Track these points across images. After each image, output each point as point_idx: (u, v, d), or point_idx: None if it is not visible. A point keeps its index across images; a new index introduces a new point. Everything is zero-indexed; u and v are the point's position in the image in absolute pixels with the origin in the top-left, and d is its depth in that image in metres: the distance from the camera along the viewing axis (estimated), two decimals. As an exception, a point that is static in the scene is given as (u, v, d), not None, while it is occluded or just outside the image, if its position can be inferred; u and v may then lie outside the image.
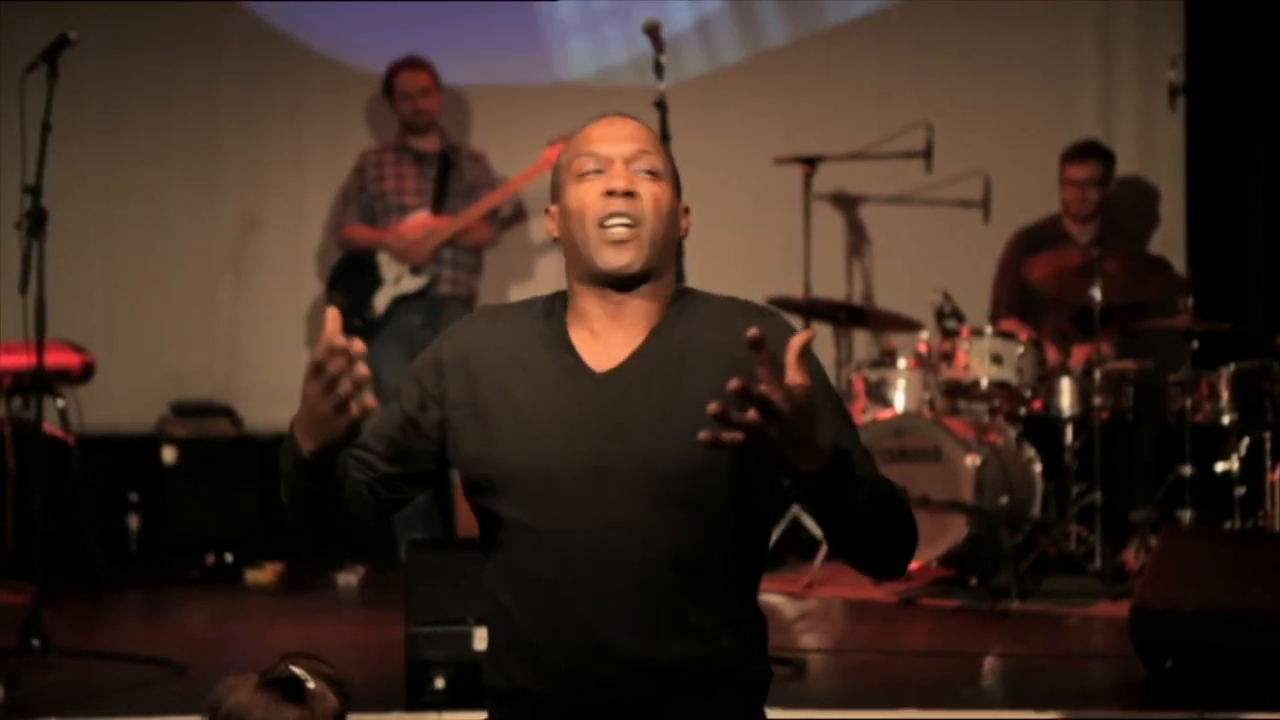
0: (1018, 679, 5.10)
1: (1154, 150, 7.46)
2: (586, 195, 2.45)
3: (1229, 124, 7.26)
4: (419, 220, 6.78)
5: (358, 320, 6.83)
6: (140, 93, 7.34)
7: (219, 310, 7.42)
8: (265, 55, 7.39)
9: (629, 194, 2.43)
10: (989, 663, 5.23)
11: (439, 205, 6.81)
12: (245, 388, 7.31)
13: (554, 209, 2.52)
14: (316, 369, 2.24)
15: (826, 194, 7.36)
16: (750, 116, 7.32)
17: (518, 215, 7.32)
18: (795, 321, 6.56)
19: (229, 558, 6.69)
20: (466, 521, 6.15)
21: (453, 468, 2.51)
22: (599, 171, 2.45)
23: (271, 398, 7.30)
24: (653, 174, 2.46)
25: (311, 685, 2.15)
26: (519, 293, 7.37)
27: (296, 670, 2.15)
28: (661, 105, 5.47)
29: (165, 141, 7.36)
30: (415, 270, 6.77)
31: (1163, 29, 7.42)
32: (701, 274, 5.15)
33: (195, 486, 6.86)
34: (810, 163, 6.99)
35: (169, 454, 6.92)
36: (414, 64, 6.86)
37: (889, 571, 2.44)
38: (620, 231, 2.43)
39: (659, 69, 5.53)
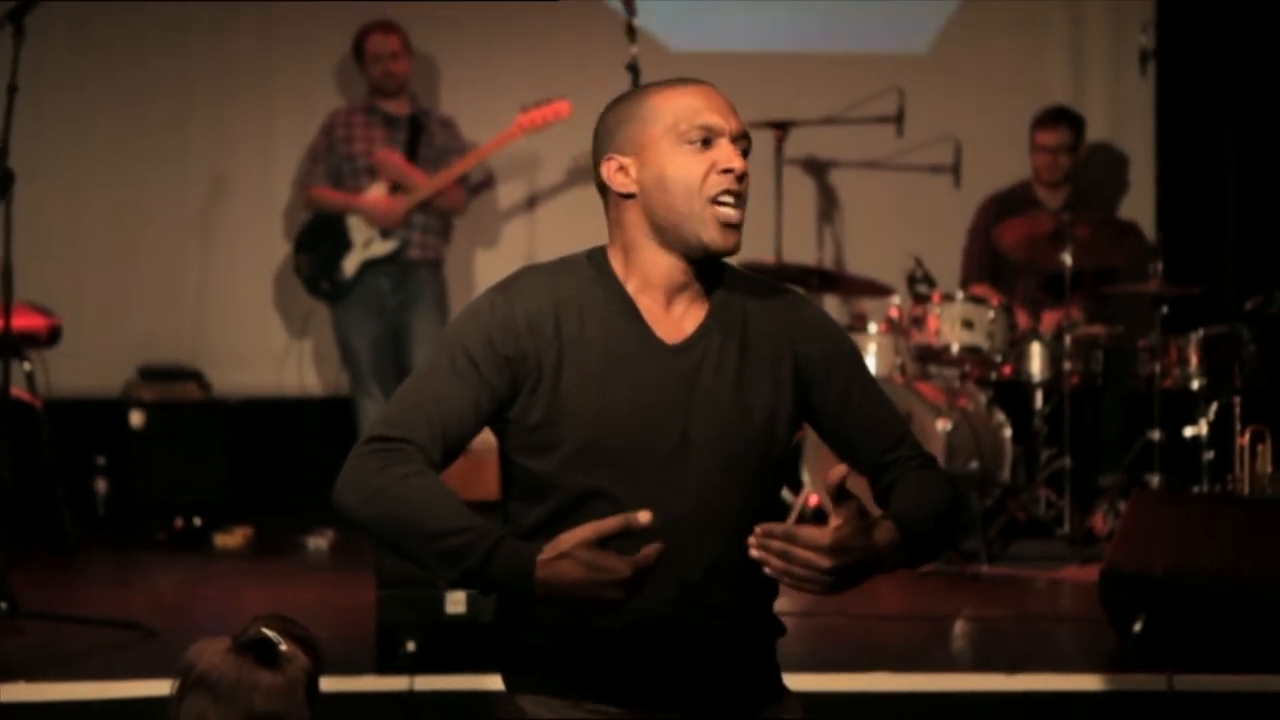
0: (987, 642, 5.12)
1: (1124, 116, 7.47)
2: (695, 166, 2.40)
3: (1199, 89, 7.28)
4: (382, 193, 6.74)
5: (326, 283, 6.80)
6: (107, 53, 7.28)
7: (187, 273, 7.38)
8: (233, 14, 7.33)
9: (742, 175, 2.42)
10: (959, 626, 5.25)
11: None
12: (213, 351, 7.28)
13: (627, 161, 2.43)
14: (638, 578, 2.21)
15: (798, 159, 7.35)
16: (721, 80, 7.28)
17: (487, 182, 7.28)
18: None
19: (197, 522, 6.67)
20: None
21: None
22: (706, 142, 2.41)
23: (240, 361, 7.28)
24: (747, 155, 2.46)
25: (284, 648, 2.14)
26: (486, 259, 7.35)
27: (268, 633, 2.15)
28: (634, 69, 5.45)
29: (132, 102, 7.30)
30: (385, 234, 6.74)
31: (1134, -6, 7.42)
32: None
33: (163, 450, 6.83)
34: (781, 127, 6.98)
35: (137, 418, 6.88)
36: (385, 26, 6.82)
37: (946, 550, 2.54)
38: (733, 213, 2.41)
39: (631, 32, 5.51)
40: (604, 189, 2.48)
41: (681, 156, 2.40)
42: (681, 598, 2.38)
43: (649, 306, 2.43)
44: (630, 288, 2.44)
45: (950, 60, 7.44)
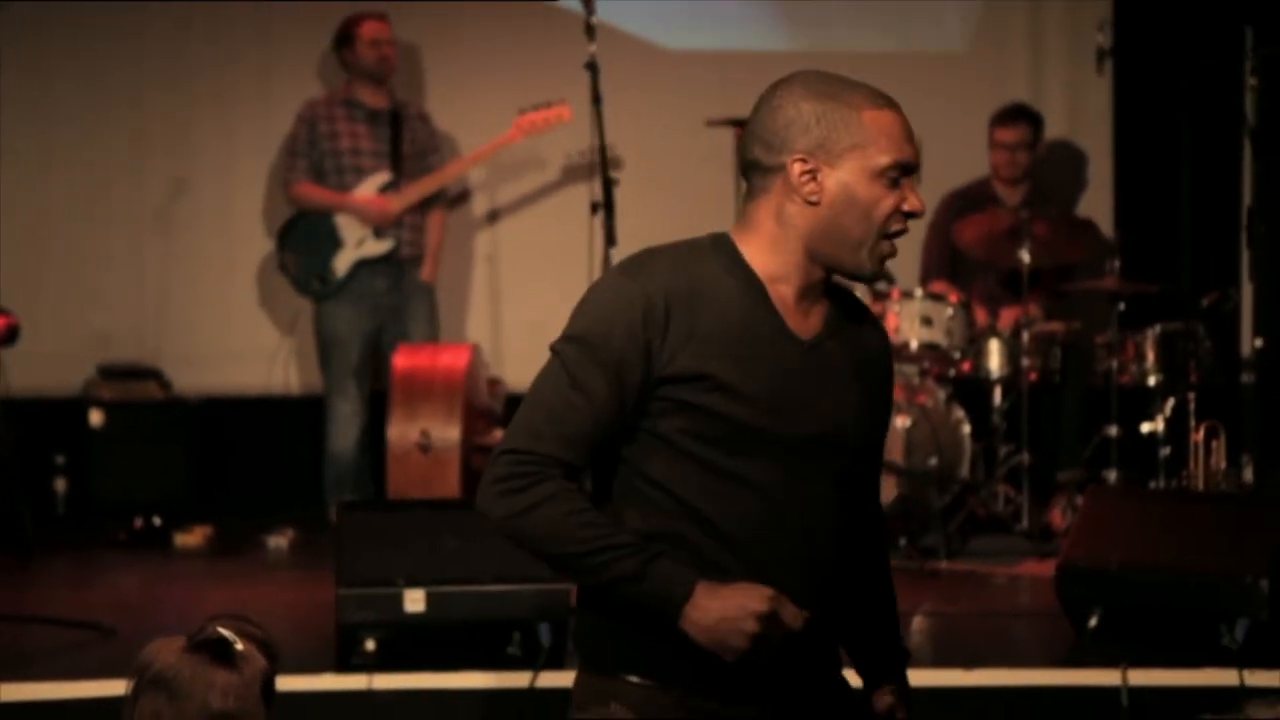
0: (946, 637, 5.14)
1: (1082, 113, 7.51)
2: (886, 201, 2.40)
3: (1156, 88, 7.31)
4: (372, 191, 6.72)
5: (317, 282, 6.74)
6: (66, 52, 7.24)
7: (147, 272, 7.34)
8: (192, 14, 7.31)
9: None
10: (918, 622, 5.27)
11: (397, 167, 6.75)
12: (173, 350, 7.25)
13: (816, 164, 2.39)
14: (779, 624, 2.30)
15: (758, 156, 7.34)
16: (683, 78, 7.31)
17: (462, 192, 7.27)
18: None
19: (157, 521, 6.64)
20: (398, 483, 6.13)
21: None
22: (896, 180, 2.41)
23: (200, 360, 7.26)
24: None
25: (240, 647, 2.15)
26: (450, 260, 7.33)
27: (224, 632, 2.15)
28: (593, 67, 5.47)
29: (91, 101, 7.27)
30: (379, 233, 6.71)
31: (1091, -7, 7.46)
32: (634, 235, 5.15)
33: (123, 449, 6.81)
34: (743, 125, 6.93)
35: (96, 417, 6.86)
36: (378, 14, 6.79)
37: None
38: (895, 250, 2.44)
39: (590, 31, 5.52)
40: (755, 170, 2.44)
41: (877, 187, 2.40)
42: (803, 588, 2.36)
43: (781, 300, 2.41)
44: (764, 279, 2.41)
45: (909, 57, 7.46)
